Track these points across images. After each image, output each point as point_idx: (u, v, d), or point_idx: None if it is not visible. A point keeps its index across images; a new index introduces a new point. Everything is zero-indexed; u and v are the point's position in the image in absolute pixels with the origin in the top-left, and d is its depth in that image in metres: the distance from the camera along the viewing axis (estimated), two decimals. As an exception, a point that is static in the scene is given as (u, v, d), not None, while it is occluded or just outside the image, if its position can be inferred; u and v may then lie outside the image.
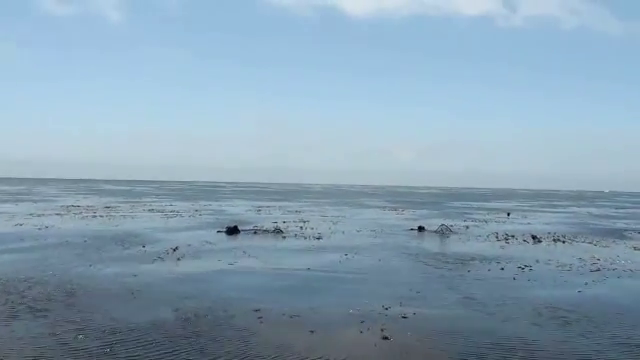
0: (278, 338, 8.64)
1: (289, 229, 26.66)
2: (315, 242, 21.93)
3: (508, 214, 44.87)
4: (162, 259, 16.72)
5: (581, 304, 11.45)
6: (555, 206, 65.68)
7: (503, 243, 22.75)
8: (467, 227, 30.36)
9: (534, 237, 25.01)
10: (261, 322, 9.58)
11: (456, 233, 26.61)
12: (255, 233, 24.57)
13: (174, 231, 25.05)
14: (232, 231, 24.54)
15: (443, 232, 26.60)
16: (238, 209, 44.65)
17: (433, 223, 29.63)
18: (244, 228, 25.92)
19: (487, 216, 42.04)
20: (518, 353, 8.22)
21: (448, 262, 17.11)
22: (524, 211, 51.03)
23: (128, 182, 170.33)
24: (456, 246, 21.63)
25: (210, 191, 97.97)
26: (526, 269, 16.03)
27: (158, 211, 39.62)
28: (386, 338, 8.78)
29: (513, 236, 25.67)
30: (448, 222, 30.88)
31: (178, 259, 16.80)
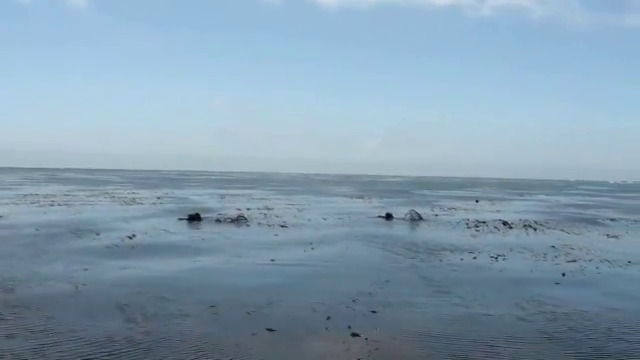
0: (234, 338, 7.73)
1: (253, 217, 25.71)
2: (280, 230, 21.06)
3: (477, 201, 44.64)
4: (116, 248, 15.72)
5: (565, 298, 10.70)
6: (523, 194, 65.59)
7: (474, 231, 22.14)
8: (436, 215, 29.74)
9: (505, 223, 24.55)
10: (217, 320, 8.67)
11: (425, 221, 25.96)
12: (218, 221, 23.56)
13: (133, 219, 23.88)
14: (193, 219, 23.55)
15: (413, 218, 25.94)
16: (202, 197, 43.42)
17: (401, 211, 28.91)
18: (206, 216, 24.90)
19: (455, 203, 41.60)
20: (506, 352, 7.47)
21: (419, 251, 16.36)
22: (492, 199, 50.72)
23: (91, 171, 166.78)
24: (426, 234, 20.96)
25: (175, 179, 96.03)
26: (499, 258, 15.38)
27: (119, 199, 38.27)
28: (355, 335, 7.96)
29: (484, 222, 25.14)
30: (417, 210, 30.19)
31: (132, 247, 15.84)
